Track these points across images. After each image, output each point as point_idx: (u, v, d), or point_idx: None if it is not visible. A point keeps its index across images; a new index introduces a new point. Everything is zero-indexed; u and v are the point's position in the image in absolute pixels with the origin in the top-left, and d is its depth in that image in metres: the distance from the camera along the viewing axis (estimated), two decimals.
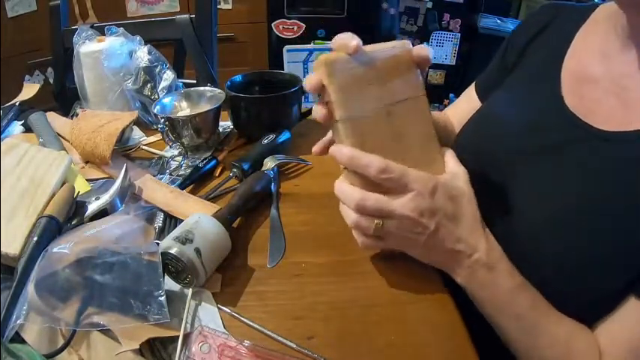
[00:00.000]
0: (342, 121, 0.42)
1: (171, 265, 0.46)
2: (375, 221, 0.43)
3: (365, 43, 0.44)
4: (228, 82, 0.81)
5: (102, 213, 0.55)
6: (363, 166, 0.41)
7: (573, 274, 0.42)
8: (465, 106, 0.69)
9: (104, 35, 0.89)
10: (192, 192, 0.66)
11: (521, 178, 0.49)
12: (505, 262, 0.44)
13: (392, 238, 0.44)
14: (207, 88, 0.83)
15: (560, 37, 0.54)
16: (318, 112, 0.43)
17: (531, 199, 0.47)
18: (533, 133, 0.50)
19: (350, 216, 0.45)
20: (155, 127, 0.84)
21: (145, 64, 0.84)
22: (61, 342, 0.41)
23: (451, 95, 2.23)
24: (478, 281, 0.44)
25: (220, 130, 0.82)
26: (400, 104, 0.45)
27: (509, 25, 2.26)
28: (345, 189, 0.44)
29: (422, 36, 2.25)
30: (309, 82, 0.42)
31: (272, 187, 0.65)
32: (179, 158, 0.75)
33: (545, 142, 0.48)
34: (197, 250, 0.45)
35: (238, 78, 0.84)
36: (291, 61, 2.20)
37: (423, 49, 0.45)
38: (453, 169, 0.46)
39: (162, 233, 0.56)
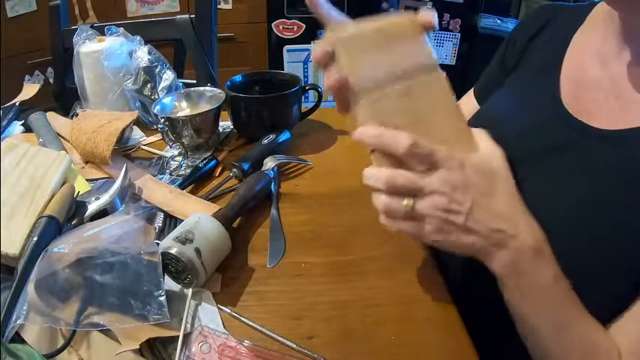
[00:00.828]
0: (359, 106, 0.41)
1: (171, 265, 0.46)
2: (405, 201, 0.39)
3: None
4: (228, 82, 0.81)
5: (102, 213, 0.55)
6: (391, 142, 0.39)
7: (575, 275, 0.41)
8: (466, 110, 0.69)
9: (104, 35, 0.89)
10: (192, 192, 0.66)
11: (521, 181, 0.48)
12: (548, 245, 0.41)
13: (429, 222, 0.40)
14: (207, 88, 0.83)
15: (558, 38, 0.54)
16: (330, 78, 0.40)
17: (532, 201, 0.46)
18: (532, 136, 0.50)
19: (379, 199, 0.41)
20: (155, 127, 0.84)
21: (145, 64, 0.84)
22: (61, 342, 0.41)
23: None
24: (520, 268, 0.40)
25: (220, 130, 0.82)
26: (418, 80, 0.43)
27: (510, 25, 2.26)
28: (374, 172, 0.41)
29: None
30: (315, 52, 0.40)
31: (272, 187, 0.65)
32: (179, 158, 0.75)
33: (545, 144, 0.48)
34: (197, 250, 0.45)
35: (238, 78, 0.84)
36: (291, 61, 2.20)
37: (428, 14, 0.43)
38: (487, 148, 0.43)
39: (162, 233, 0.56)
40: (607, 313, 0.41)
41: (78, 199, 0.56)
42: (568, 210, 0.43)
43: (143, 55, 0.85)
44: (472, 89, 0.70)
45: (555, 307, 0.40)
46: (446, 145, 0.41)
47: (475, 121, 0.60)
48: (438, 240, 0.41)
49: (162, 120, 0.73)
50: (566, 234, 0.42)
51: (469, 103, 0.69)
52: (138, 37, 0.89)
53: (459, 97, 0.76)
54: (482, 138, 0.44)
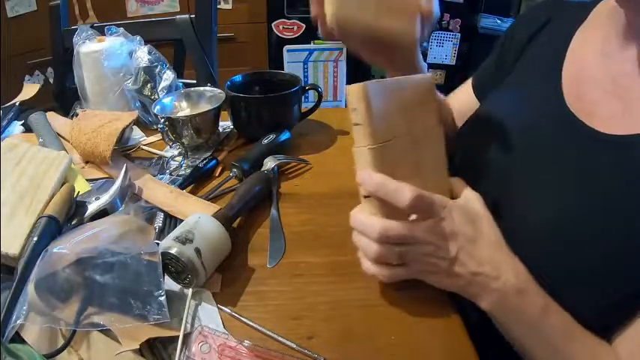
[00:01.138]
0: (371, 149, 0.42)
1: (171, 265, 0.46)
2: (397, 249, 0.42)
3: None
4: (228, 82, 0.81)
5: (102, 213, 0.55)
6: (393, 192, 0.40)
7: (576, 275, 0.41)
8: (461, 100, 0.69)
9: (104, 35, 0.89)
10: (192, 192, 0.66)
11: (521, 181, 0.48)
12: (533, 282, 0.42)
13: (415, 265, 0.43)
14: (207, 88, 0.83)
15: (560, 35, 0.53)
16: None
17: (531, 202, 0.46)
18: (532, 136, 0.49)
19: (371, 247, 0.43)
20: (155, 127, 0.84)
21: (145, 64, 0.84)
22: (61, 342, 0.41)
23: (451, 95, 2.23)
24: (506, 306, 0.42)
25: (220, 130, 0.82)
26: (422, 133, 0.46)
27: (509, 25, 2.25)
28: (366, 220, 0.43)
29: None
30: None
31: (272, 187, 0.65)
32: (179, 158, 0.75)
33: (545, 144, 0.47)
34: (197, 250, 0.45)
35: (238, 78, 0.84)
36: (291, 61, 2.20)
37: (429, 2, 0.44)
38: (467, 194, 0.46)
39: (162, 233, 0.56)
40: (607, 319, 0.40)
41: (78, 199, 0.56)
42: (568, 209, 0.43)
43: (143, 55, 0.85)
44: (470, 80, 0.70)
45: (547, 336, 0.41)
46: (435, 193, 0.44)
47: (473, 121, 0.60)
48: (422, 279, 0.45)
49: (162, 120, 0.73)
50: (567, 233, 0.42)
51: (465, 93, 0.68)
52: (138, 37, 0.89)
53: None
54: (460, 185, 0.47)
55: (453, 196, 0.46)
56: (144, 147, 0.80)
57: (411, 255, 0.43)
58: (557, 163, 0.46)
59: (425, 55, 2.23)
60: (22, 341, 0.40)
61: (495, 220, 0.47)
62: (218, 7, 1.67)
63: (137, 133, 0.84)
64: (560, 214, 0.43)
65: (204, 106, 0.79)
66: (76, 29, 0.89)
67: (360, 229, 0.44)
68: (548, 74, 0.51)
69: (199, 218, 0.49)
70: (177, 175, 0.69)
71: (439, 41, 2.24)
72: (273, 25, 2.18)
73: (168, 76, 0.85)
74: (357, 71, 2.25)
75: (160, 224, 0.57)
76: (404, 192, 0.40)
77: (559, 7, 0.57)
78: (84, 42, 0.87)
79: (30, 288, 0.40)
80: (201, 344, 0.42)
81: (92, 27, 0.91)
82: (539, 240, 0.44)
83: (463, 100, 0.68)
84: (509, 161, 0.50)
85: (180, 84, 0.88)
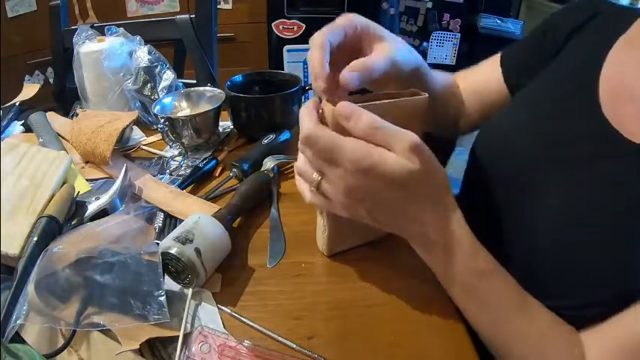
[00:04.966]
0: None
1: (171, 265, 0.46)
2: (314, 175, 0.40)
3: None
4: (228, 82, 0.81)
5: (102, 213, 0.55)
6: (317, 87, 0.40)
7: (596, 294, 0.39)
8: (484, 77, 0.65)
9: (104, 35, 0.89)
10: (192, 192, 0.66)
11: (544, 187, 0.45)
12: (467, 245, 0.40)
13: (334, 203, 0.40)
14: (207, 88, 0.83)
15: (599, 40, 0.50)
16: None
17: (553, 211, 0.43)
18: (561, 142, 0.46)
19: (299, 157, 0.42)
20: (155, 127, 0.84)
21: (145, 64, 0.84)
22: (61, 342, 0.41)
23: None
24: (435, 261, 0.41)
25: (220, 130, 0.82)
26: None
27: (510, 25, 2.26)
28: (306, 118, 0.39)
29: (422, 36, 2.25)
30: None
31: (272, 187, 0.65)
32: (179, 158, 0.75)
33: (574, 152, 0.45)
34: (197, 250, 0.45)
35: (238, 78, 0.84)
36: (291, 61, 2.20)
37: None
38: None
39: (162, 233, 0.56)
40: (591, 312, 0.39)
41: (78, 199, 0.56)
42: (591, 224, 0.41)
43: (143, 55, 0.85)
44: (496, 57, 0.65)
45: (484, 300, 0.40)
46: None
47: (499, 120, 0.56)
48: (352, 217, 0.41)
49: (162, 120, 0.73)
50: (587, 247, 0.40)
51: (491, 71, 0.64)
52: (138, 37, 0.89)
53: None
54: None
55: None
56: (144, 147, 0.80)
57: (326, 190, 0.40)
58: (585, 172, 0.43)
59: (425, 55, 2.23)
60: (22, 341, 0.40)
61: (512, 230, 0.45)
62: (218, 7, 1.68)
63: (137, 133, 0.84)
64: (582, 225, 0.41)
65: (204, 106, 0.79)
66: (76, 29, 0.89)
67: (300, 127, 0.40)
68: (584, 81, 0.48)
69: (199, 218, 0.49)
70: (178, 175, 0.69)
71: (439, 41, 2.25)
72: (273, 25, 2.18)
73: (168, 76, 0.85)
74: None
75: (160, 224, 0.57)
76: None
77: (600, 7, 0.54)
78: (84, 42, 0.87)
79: (30, 288, 0.40)
80: (201, 344, 0.42)
81: (92, 27, 0.91)
82: (558, 249, 0.42)
83: (484, 77, 0.64)
84: (534, 168, 0.48)
85: (180, 84, 0.88)
